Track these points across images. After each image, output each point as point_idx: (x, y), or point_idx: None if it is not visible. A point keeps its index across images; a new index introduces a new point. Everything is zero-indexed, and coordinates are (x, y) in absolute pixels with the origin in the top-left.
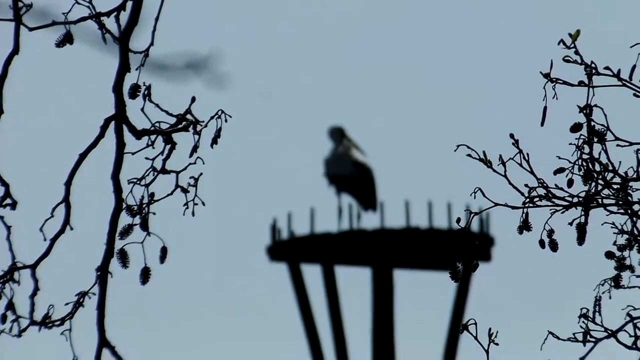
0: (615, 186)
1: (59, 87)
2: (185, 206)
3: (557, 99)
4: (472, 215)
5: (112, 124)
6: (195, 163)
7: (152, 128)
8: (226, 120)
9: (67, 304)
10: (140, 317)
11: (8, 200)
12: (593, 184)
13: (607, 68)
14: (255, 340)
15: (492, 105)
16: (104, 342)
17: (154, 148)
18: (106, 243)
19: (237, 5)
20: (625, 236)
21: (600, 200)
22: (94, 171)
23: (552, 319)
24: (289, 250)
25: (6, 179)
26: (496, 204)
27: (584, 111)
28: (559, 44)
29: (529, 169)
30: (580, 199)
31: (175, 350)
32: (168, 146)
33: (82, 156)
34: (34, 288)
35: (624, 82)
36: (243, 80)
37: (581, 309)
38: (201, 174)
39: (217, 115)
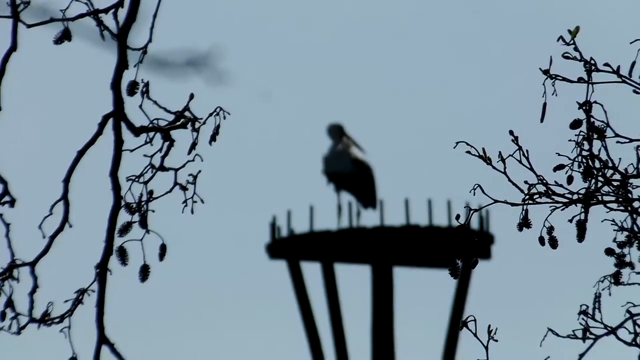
0: (615, 183)
1: (57, 84)
2: (184, 204)
3: (556, 95)
4: (471, 212)
5: (111, 121)
6: (193, 160)
7: (151, 125)
8: (225, 117)
9: (66, 301)
10: (139, 315)
11: (7, 198)
12: (593, 180)
13: (606, 64)
14: (254, 338)
15: (492, 101)
16: (103, 340)
17: (152, 145)
18: (105, 240)
19: (237, 2)
20: (625, 233)
21: (600, 197)
22: (93, 168)
23: (552, 316)
24: (288, 248)
25: (5, 176)
26: (496, 201)
27: (584, 107)
28: (558, 40)
29: (528, 166)
30: (580, 196)
31: (175, 347)
32: (166, 143)
33: (81, 153)
34: (33, 285)
35: (623, 78)
36: (243, 77)
37: (581, 306)
38: (200, 171)
39: (215, 112)
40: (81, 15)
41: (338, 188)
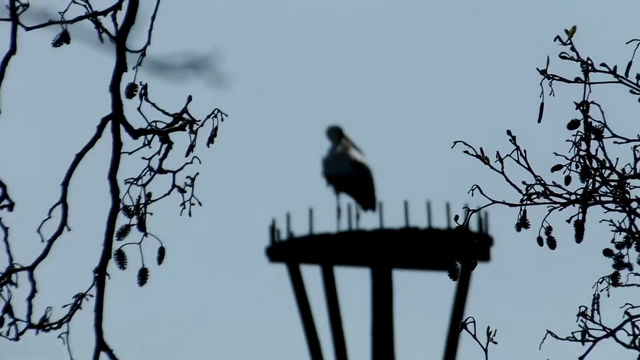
0: (612, 183)
1: (55, 87)
2: (182, 206)
3: (554, 95)
4: (470, 212)
5: (109, 124)
6: (192, 162)
7: (149, 127)
8: (222, 120)
9: (64, 306)
10: (138, 319)
11: (5, 202)
12: (590, 181)
13: (603, 65)
14: (254, 341)
15: (489, 102)
16: (101, 346)
17: (150, 147)
18: (104, 244)
19: (236, 5)
20: (623, 234)
21: (597, 197)
22: (91, 171)
23: (551, 318)
24: (288, 251)
25: (3, 180)
26: (494, 202)
27: (581, 108)
28: (555, 40)
29: (526, 166)
30: (578, 196)
31: (174, 352)
32: (165, 145)
33: (79, 156)
34: (31, 290)
35: (620, 78)
36: (242, 79)
37: (580, 308)
38: (197, 173)
39: (213, 115)
40: (80, 18)
41: (337, 190)
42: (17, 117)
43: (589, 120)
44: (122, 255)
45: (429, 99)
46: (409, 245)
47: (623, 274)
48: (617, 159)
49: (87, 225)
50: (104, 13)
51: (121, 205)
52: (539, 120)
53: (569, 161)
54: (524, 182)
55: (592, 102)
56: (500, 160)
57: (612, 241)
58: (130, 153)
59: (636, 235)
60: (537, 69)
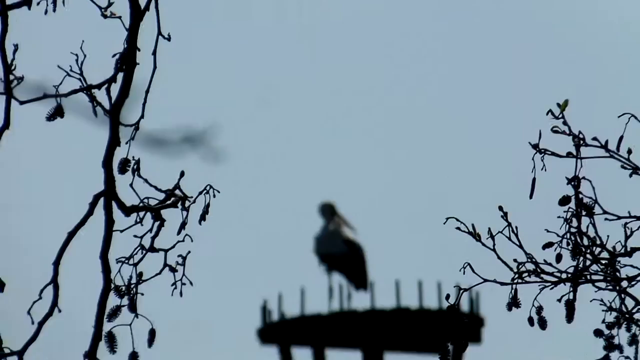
0: (603, 261)
1: (48, 162)
2: (174, 286)
3: (545, 170)
4: (461, 291)
5: (102, 200)
6: (183, 241)
7: (141, 204)
8: (214, 196)
9: None
10: None
11: None
12: (581, 258)
13: (594, 139)
14: None
15: (481, 177)
16: None
17: (142, 225)
18: (94, 326)
19: (233, 81)
20: (614, 313)
21: (588, 276)
22: (82, 249)
23: None
24: (279, 332)
25: None
26: (485, 280)
27: (572, 183)
28: (547, 114)
29: (517, 243)
30: (569, 275)
31: None
32: (157, 223)
33: (71, 235)
34: None
35: (611, 153)
36: (236, 155)
37: None
38: (189, 252)
39: (205, 191)
40: (74, 91)
41: (330, 269)
42: (9, 192)
43: (580, 196)
44: (112, 338)
45: (420, 177)
46: (400, 326)
47: (614, 357)
48: (608, 236)
49: (78, 306)
50: (99, 86)
51: (112, 286)
52: (531, 196)
53: (560, 238)
54: (515, 260)
55: (584, 178)
56: (492, 237)
57: (603, 321)
58: (122, 231)
59: (627, 316)
60: (529, 142)
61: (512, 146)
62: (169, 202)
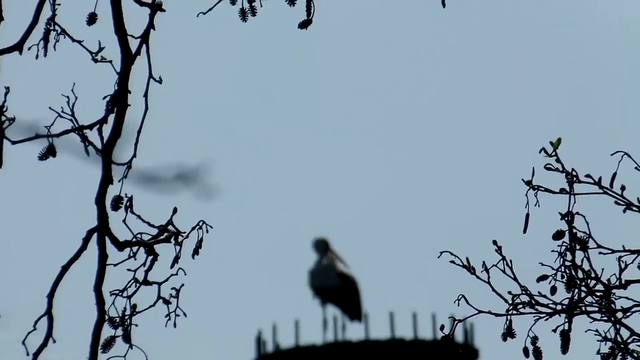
0: (598, 293)
1: (42, 200)
2: (167, 317)
3: (539, 206)
4: (456, 322)
5: (95, 236)
6: (177, 274)
7: (134, 239)
8: (207, 231)
9: None
10: None
11: None
12: (576, 291)
13: (588, 176)
14: None
15: (475, 212)
16: None
17: (135, 259)
18: (89, 357)
19: (225, 118)
20: (609, 344)
21: (583, 307)
22: (77, 282)
23: None
24: None
25: None
26: (480, 311)
27: (566, 219)
28: (540, 152)
29: (512, 276)
30: (564, 306)
31: None
32: (150, 257)
33: (65, 269)
34: None
35: (605, 189)
36: (229, 191)
37: None
38: (182, 285)
39: (198, 226)
40: (66, 132)
41: (324, 301)
42: (3, 230)
43: (574, 231)
44: None
45: (414, 209)
46: (395, 356)
47: None
48: (602, 269)
49: (72, 337)
50: (90, 127)
51: (106, 317)
52: (525, 231)
53: (555, 271)
54: (509, 292)
55: (577, 213)
56: (487, 270)
57: (598, 352)
58: (115, 265)
59: (622, 346)
60: (523, 179)
61: (505, 182)
62: (162, 237)
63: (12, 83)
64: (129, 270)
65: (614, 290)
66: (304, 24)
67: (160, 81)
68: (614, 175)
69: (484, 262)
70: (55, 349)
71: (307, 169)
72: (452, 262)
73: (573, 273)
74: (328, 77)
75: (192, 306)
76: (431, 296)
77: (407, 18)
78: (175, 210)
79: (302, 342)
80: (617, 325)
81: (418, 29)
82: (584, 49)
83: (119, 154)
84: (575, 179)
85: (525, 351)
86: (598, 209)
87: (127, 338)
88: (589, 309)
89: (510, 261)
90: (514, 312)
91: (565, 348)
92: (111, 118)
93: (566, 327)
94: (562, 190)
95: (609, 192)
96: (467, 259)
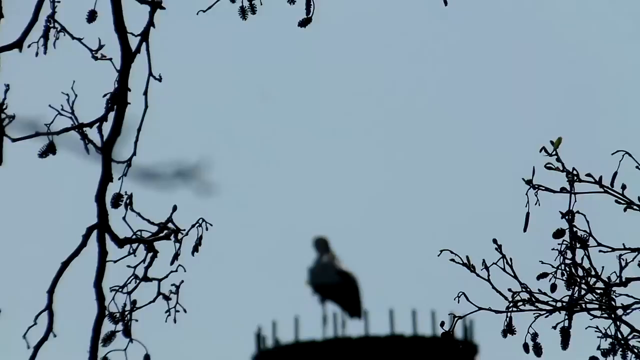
0: (598, 291)
1: (42, 197)
2: (167, 313)
3: (539, 205)
4: (456, 319)
5: (95, 233)
6: (177, 271)
7: (134, 236)
8: (207, 229)
9: None
10: None
11: None
12: (576, 288)
13: (588, 175)
14: None
15: (475, 210)
16: None
17: (135, 256)
18: (89, 350)
19: (224, 115)
20: (609, 340)
21: (583, 304)
22: (77, 279)
23: None
24: (274, 358)
25: None
26: (480, 308)
27: (566, 217)
28: (540, 151)
29: (512, 274)
30: (564, 304)
31: None
32: (150, 254)
33: (65, 264)
34: None
35: (605, 188)
36: (229, 187)
37: None
38: (182, 281)
39: (198, 224)
40: (66, 130)
41: (323, 299)
42: (4, 226)
43: (575, 229)
44: None
45: (414, 208)
46: (394, 352)
47: None
48: (603, 267)
49: (73, 331)
50: (90, 125)
51: (107, 312)
52: (525, 229)
53: (555, 269)
54: (509, 290)
55: (578, 212)
56: (487, 268)
57: (598, 348)
58: (115, 261)
59: (622, 342)
60: (523, 179)
61: (506, 181)
62: (161, 234)
63: (12, 81)
64: (128, 266)
65: (614, 288)
66: (304, 23)
67: (160, 79)
68: (615, 174)
69: (483, 260)
70: (55, 342)
71: (308, 167)
72: (452, 260)
73: (573, 271)
74: (328, 77)
75: (192, 302)
76: (431, 294)
77: (407, 18)
78: (175, 208)
79: (301, 338)
80: (618, 322)
81: (418, 29)
82: (584, 49)
83: (119, 151)
84: (575, 178)
85: (526, 347)
86: (599, 208)
87: (127, 333)
88: (589, 306)
89: (511, 259)
90: (514, 309)
91: (565, 344)
92: (111, 116)
93: (566, 324)
94: (563, 190)
95: (610, 191)
96: (467, 257)
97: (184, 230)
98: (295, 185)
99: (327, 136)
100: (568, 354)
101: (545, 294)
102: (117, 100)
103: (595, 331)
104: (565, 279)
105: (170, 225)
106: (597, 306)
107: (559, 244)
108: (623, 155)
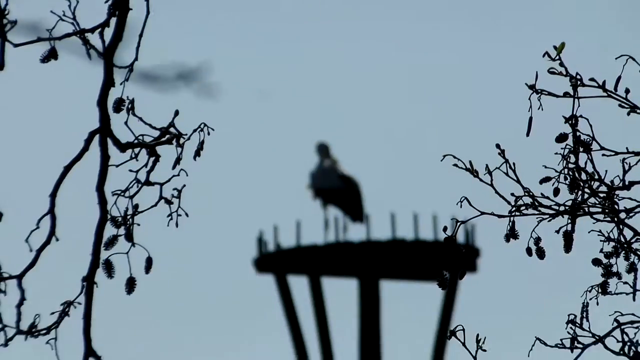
0: (601, 195)
1: (44, 102)
2: (169, 217)
3: (542, 109)
4: (458, 224)
5: (97, 137)
6: (178, 175)
7: (136, 141)
8: (209, 133)
9: (52, 313)
10: (126, 327)
11: None
12: (579, 192)
13: (592, 79)
14: (242, 352)
15: (478, 116)
16: (90, 352)
17: (137, 160)
18: (92, 254)
19: (226, 17)
20: (612, 243)
21: (586, 208)
22: (79, 183)
23: (540, 326)
24: (275, 262)
25: None
26: (482, 213)
27: (570, 121)
28: (544, 56)
29: (515, 179)
30: (567, 207)
31: None
32: (152, 159)
33: (67, 168)
34: (20, 298)
35: (609, 93)
36: (232, 90)
37: (569, 315)
38: (184, 185)
39: (199, 129)
40: (67, 35)
41: (325, 203)
42: (7, 130)
43: (578, 133)
44: (110, 265)
45: (417, 113)
46: (396, 256)
47: (612, 283)
48: (606, 171)
49: (75, 235)
50: (92, 30)
51: (109, 217)
52: (528, 134)
53: (558, 173)
54: (512, 194)
55: (581, 116)
56: (490, 173)
57: (601, 251)
58: (117, 166)
59: (625, 245)
60: (526, 83)
61: (509, 86)
62: (163, 139)
63: None
64: (130, 171)
65: (617, 192)
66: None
67: None
68: (619, 78)
69: (487, 165)
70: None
71: (311, 73)
72: (455, 165)
73: (576, 175)
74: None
75: (194, 207)
76: (432, 198)
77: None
78: (176, 113)
79: (303, 243)
80: (620, 226)
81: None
82: None
83: (121, 57)
84: (579, 82)
85: (529, 251)
86: (602, 112)
87: (129, 237)
88: (592, 210)
89: (514, 164)
90: (517, 213)
91: (568, 247)
92: (113, 22)
93: (569, 228)
94: (566, 94)
95: (613, 95)
96: (470, 162)
97: (186, 134)
98: (299, 88)
99: (329, 39)
100: (571, 257)
101: (548, 198)
102: (119, 6)
103: (598, 235)
104: (568, 183)
105: (172, 129)
106: (600, 210)
107: (562, 148)
108: (627, 60)
